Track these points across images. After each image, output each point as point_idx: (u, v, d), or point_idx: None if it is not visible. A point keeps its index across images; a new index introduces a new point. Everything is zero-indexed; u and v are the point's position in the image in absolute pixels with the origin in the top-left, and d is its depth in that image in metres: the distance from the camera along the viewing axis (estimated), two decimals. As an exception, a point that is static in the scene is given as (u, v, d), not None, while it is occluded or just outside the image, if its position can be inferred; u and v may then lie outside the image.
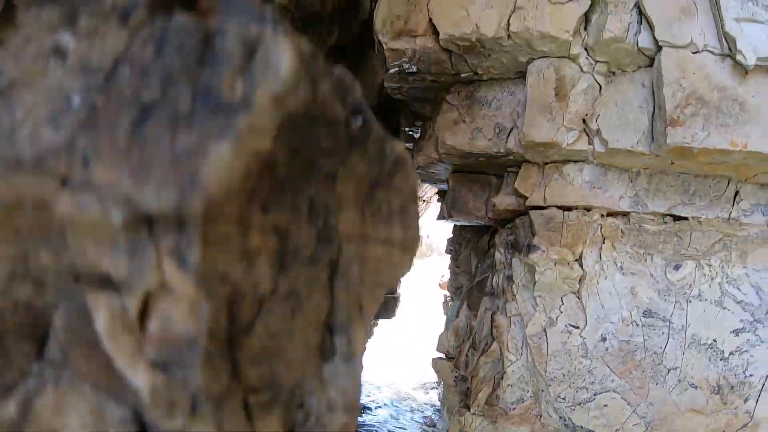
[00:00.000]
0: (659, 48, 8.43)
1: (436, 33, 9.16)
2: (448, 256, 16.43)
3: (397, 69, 9.57)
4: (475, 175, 10.07)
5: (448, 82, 9.84)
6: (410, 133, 11.97)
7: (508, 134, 9.08)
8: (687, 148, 8.42)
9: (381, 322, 18.36)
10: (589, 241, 9.14)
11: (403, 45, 9.20)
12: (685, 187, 9.08)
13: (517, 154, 9.03)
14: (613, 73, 9.05)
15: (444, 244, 17.29)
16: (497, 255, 9.99)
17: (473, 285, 10.89)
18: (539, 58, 8.96)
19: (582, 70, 8.99)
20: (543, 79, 8.83)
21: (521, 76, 9.35)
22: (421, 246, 18.45)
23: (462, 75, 9.49)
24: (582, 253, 8.99)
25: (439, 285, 21.49)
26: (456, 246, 14.62)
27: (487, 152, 9.20)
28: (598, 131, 8.86)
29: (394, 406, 16.40)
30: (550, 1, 8.96)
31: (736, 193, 9.23)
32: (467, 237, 12.66)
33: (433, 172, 10.41)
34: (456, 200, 10.13)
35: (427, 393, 18.58)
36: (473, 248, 12.58)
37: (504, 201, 9.41)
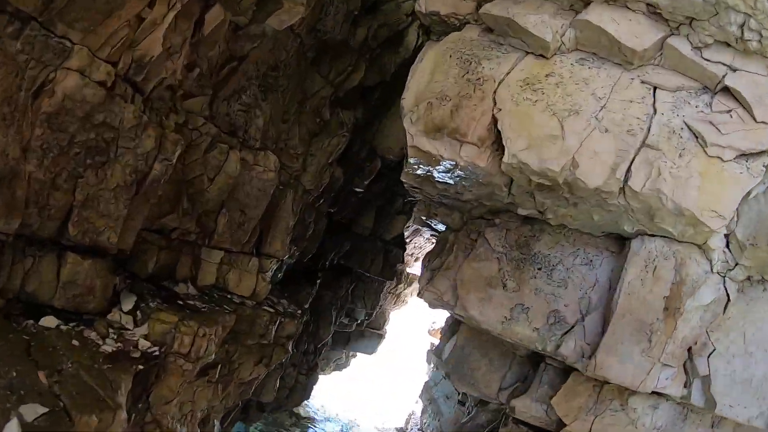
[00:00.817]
0: None
1: (499, 147, 4.84)
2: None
3: (422, 172, 5.25)
4: (498, 338, 5.92)
5: (495, 209, 5.53)
6: (428, 222, 7.69)
7: (567, 332, 4.87)
8: None
9: (360, 355, 14.90)
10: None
11: (440, 149, 4.78)
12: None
13: (569, 362, 4.86)
14: (749, 280, 4.50)
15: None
16: (497, 455, 6.06)
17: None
18: (656, 237, 4.38)
19: (711, 269, 4.38)
20: (653, 276, 4.37)
21: (615, 240, 4.99)
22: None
23: (520, 210, 5.14)
24: None
25: (429, 332, 17.75)
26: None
27: (528, 346, 5.04)
28: (706, 380, 4.37)
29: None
30: (706, 152, 4.37)
31: None
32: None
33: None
34: (461, 363, 6.03)
35: None
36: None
37: (528, 409, 5.30)
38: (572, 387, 4.88)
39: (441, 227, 7.13)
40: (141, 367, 4.13)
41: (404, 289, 13.87)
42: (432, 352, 6.95)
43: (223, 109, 5.57)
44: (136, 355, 4.19)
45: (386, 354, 16.70)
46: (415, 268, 14.11)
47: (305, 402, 13.20)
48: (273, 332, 6.03)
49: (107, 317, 4.48)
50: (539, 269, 4.82)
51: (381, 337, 13.49)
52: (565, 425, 4.87)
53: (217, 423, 6.26)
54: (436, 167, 4.74)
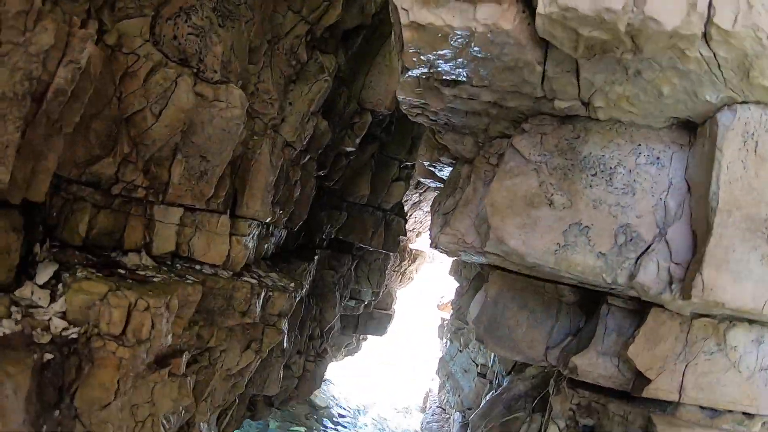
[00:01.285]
0: None
1: (525, 7, 2.88)
2: (450, 276, 10.90)
3: (424, 71, 3.74)
4: (538, 283, 4.43)
5: (523, 111, 4.01)
6: (431, 168, 6.19)
7: (645, 252, 3.36)
8: None
9: (371, 338, 13.28)
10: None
11: (447, 18, 3.22)
12: None
13: (648, 296, 3.35)
14: None
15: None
16: (551, 430, 4.52)
17: (494, 425, 5.45)
18: (749, 104, 2.87)
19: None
20: (755, 155, 2.71)
21: (681, 130, 3.38)
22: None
23: (558, 102, 3.65)
24: None
25: (438, 306, 16.13)
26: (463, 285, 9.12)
27: (592, 280, 3.51)
28: None
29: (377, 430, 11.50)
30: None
31: None
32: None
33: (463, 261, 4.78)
34: (495, 322, 4.50)
35: (409, 415, 13.60)
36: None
37: (595, 366, 3.78)
38: (654, 329, 3.34)
39: (447, 172, 5.62)
40: (50, 356, 2.57)
41: (409, 266, 12.32)
42: (453, 316, 5.41)
43: (168, 31, 4.05)
44: (44, 339, 2.63)
45: (397, 334, 15.06)
46: (417, 244, 12.60)
47: (319, 391, 11.59)
48: (258, 308, 4.47)
49: (14, 293, 2.94)
50: (594, 175, 3.30)
51: (390, 317, 11.90)
52: (647, 381, 3.33)
53: (204, 426, 4.67)
54: (443, 51, 3.22)
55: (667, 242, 3.07)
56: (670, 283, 3.02)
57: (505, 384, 5.67)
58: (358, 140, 6.96)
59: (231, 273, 4.38)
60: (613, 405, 3.66)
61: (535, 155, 3.46)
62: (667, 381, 3.32)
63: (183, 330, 3.74)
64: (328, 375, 11.02)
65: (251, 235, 4.75)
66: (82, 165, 3.53)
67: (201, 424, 4.59)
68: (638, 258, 3.13)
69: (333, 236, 8.18)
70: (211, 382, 4.48)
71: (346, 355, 11.81)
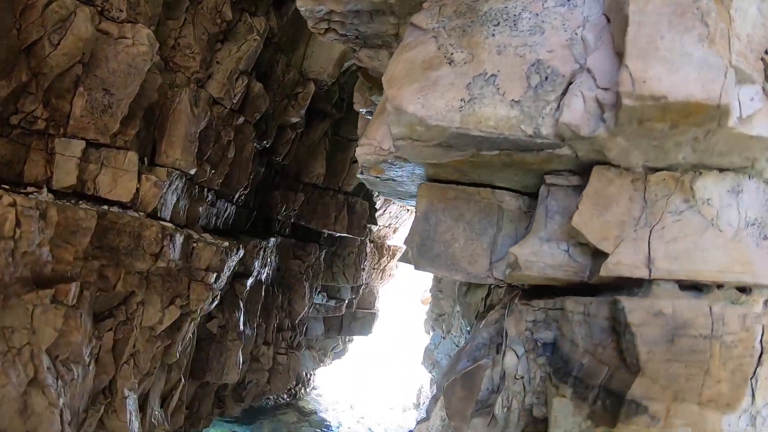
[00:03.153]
0: None
1: None
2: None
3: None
4: (472, 189, 3.69)
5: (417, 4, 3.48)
6: (369, 117, 5.64)
7: (567, 89, 2.71)
8: None
9: (357, 338, 12.05)
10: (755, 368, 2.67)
11: None
12: None
13: (582, 144, 2.64)
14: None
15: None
16: (508, 359, 3.56)
17: (455, 378, 4.45)
18: None
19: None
20: None
21: None
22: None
23: None
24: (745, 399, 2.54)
25: (421, 301, 14.97)
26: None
27: (508, 133, 2.80)
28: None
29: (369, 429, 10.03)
30: None
31: None
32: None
33: (390, 180, 4.08)
34: (429, 238, 3.71)
35: (405, 412, 12.02)
36: (459, 300, 6.16)
37: (539, 255, 2.95)
38: (600, 190, 2.57)
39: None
40: None
41: (388, 263, 11.38)
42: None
43: (68, -26, 3.67)
44: None
45: (384, 333, 13.65)
46: (394, 240, 11.77)
47: (307, 396, 10.27)
48: (174, 253, 3.72)
49: None
50: (497, 25, 2.69)
51: (374, 315, 10.77)
52: (605, 256, 2.51)
53: (131, 395, 3.75)
54: None
55: (589, 70, 2.40)
56: (602, 112, 2.31)
57: (470, 334, 4.69)
58: (302, 111, 6.46)
59: (144, 214, 3.68)
60: (570, 302, 2.80)
61: (433, 23, 2.90)
62: (630, 253, 2.50)
63: (75, 259, 3.01)
64: (316, 380, 9.80)
65: (172, 186, 4.09)
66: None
67: (125, 390, 3.68)
68: (560, 97, 2.44)
69: (293, 220, 7.45)
70: (131, 341, 3.63)
71: (333, 359, 10.60)
